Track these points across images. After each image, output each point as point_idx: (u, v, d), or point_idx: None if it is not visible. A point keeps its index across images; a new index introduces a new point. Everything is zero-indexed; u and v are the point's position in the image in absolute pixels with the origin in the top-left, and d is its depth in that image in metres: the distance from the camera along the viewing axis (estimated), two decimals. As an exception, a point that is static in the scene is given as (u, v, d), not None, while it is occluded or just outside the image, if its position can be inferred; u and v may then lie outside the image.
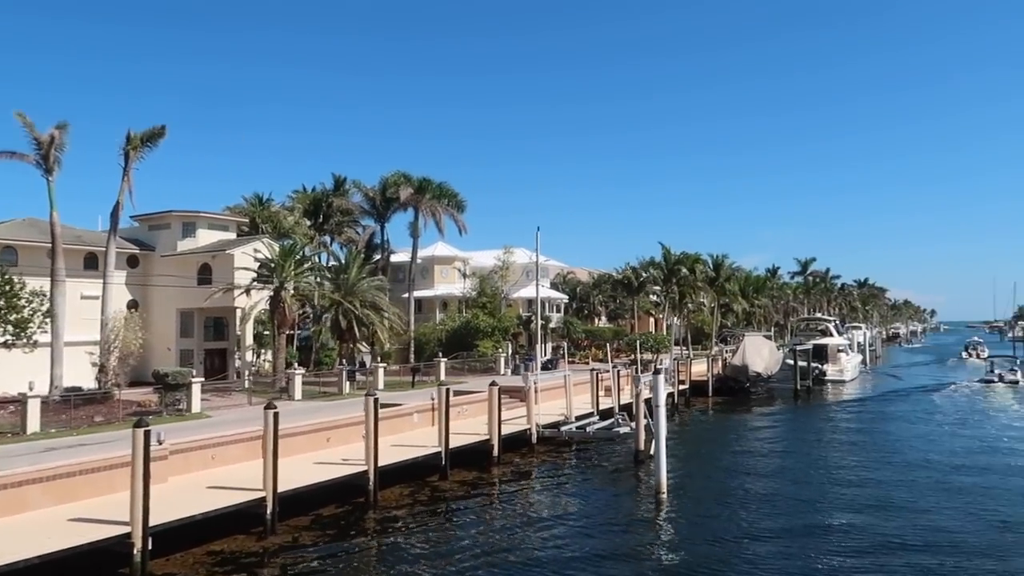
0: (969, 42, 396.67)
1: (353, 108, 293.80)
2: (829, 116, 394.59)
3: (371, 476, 22.61)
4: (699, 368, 56.41)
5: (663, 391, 24.51)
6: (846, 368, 68.10)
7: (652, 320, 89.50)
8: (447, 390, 27.07)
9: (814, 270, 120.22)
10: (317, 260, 52.42)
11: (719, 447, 36.44)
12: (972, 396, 56.91)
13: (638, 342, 53.61)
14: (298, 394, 37.67)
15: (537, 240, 56.56)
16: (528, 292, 70.64)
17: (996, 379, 64.44)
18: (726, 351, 58.74)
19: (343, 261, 51.44)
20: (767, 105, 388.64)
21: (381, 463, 23.10)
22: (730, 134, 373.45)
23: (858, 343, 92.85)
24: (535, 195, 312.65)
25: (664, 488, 23.71)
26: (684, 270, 57.99)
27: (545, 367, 56.66)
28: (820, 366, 65.77)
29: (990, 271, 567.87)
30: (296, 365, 42.23)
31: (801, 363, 59.47)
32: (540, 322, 59.41)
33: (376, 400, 23.77)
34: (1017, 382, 63.21)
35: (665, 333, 61.89)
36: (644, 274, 67.03)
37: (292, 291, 40.05)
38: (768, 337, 64.07)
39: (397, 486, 24.76)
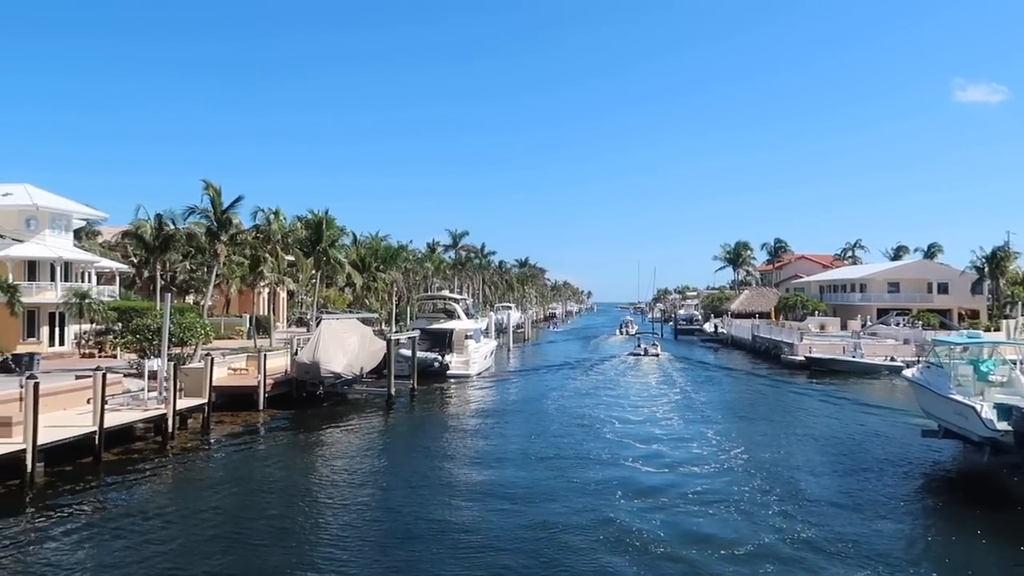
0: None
1: None
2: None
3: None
4: (274, 365, 38.85)
5: None
6: (474, 359, 54.71)
7: (265, 294, 70.46)
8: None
9: (466, 244, 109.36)
10: None
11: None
12: (625, 369, 63.52)
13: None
14: None
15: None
16: (35, 251, 47.49)
17: (643, 353, 72.26)
18: (300, 341, 41.54)
19: None
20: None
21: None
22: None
23: (500, 325, 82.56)
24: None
25: None
26: (237, 220, 39.44)
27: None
28: (440, 358, 51.88)
29: (635, 256, 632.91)
30: None
31: (406, 351, 45.23)
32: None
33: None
34: (657, 355, 72.21)
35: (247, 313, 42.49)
36: (170, 226, 46.32)
37: None
38: (369, 321, 48.33)
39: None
